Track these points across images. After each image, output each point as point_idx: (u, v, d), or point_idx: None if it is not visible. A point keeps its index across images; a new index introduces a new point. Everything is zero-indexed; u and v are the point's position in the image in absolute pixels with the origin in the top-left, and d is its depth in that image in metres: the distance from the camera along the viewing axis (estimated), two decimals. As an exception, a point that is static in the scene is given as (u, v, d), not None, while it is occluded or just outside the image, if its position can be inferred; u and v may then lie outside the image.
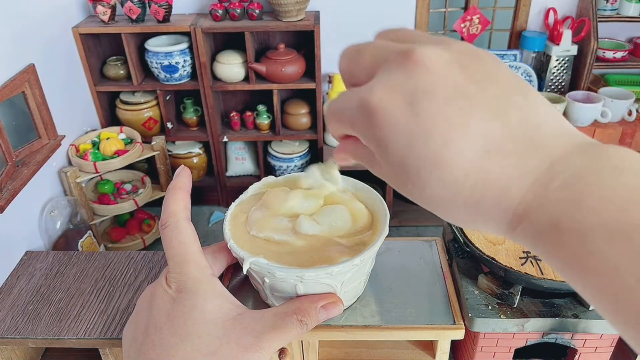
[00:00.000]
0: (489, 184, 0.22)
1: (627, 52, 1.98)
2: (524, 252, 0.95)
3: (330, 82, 2.09)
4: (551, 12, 1.99)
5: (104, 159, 1.80)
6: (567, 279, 0.22)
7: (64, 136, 1.73)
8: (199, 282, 0.32)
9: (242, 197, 0.49)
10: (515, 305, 0.77)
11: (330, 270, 0.38)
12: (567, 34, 1.93)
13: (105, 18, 1.86)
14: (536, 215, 0.22)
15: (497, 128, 0.22)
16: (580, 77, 2.01)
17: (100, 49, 2.04)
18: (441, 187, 0.23)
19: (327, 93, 2.07)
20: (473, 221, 0.24)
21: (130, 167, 1.96)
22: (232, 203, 0.48)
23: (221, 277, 0.49)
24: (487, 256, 0.81)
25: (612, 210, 0.19)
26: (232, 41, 2.01)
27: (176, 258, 0.33)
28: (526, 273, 0.84)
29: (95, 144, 1.87)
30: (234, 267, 0.49)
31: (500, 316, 0.75)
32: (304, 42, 2.01)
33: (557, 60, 1.98)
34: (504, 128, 0.22)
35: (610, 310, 0.20)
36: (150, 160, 2.07)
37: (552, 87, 2.06)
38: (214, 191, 2.26)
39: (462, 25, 2.00)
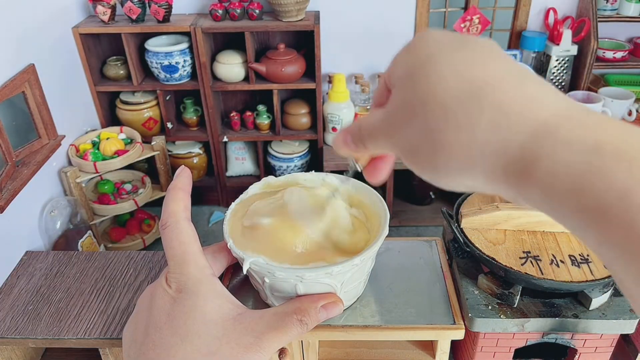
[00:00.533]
0: (514, 89, 0.22)
1: (627, 52, 1.98)
2: (524, 252, 0.95)
3: (330, 82, 2.09)
4: (551, 12, 1.99)
5: (104, 159, 1.80)
6: (586, 230, 0.20)
7: (64, 136, 1.73)
8: (199, 283, 0.32)
9: (242, 197, 0.49)
10: (515, 305, 0.77)
11: (330, 270, 0.38)
12: (567, 34, 1.93)
13: (105, 18, 1.86)
14: (568, 134, 0.20)
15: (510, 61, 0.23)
16: (580, 77, 2.01)
17: (100, 49, 2.04)
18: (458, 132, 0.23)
19: (327, 93, 2.07)
20: (485, 144, 0.22)
21: (130, 167, 1.96)
22: (232, 203, 0.47)
23: (221, 277, 0.48)
24: (487, 256, 0.81)
25: None
26: (232, 41, 2.01)
27: (176, 258, 0.33)
28: (526, 273, 0.84)
29: (95, 144, 1.87)
30: (234, 267, 0.49)
31: (500, 316, 0.75)
32: (304, 42, 2.01)
33: (557, 60, 1.99)
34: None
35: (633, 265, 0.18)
36: (150, 160, 2.07)
37: (552, 87, 2.05)
38: (214, 191, 2.26)
39: (462, 25, 2.00)
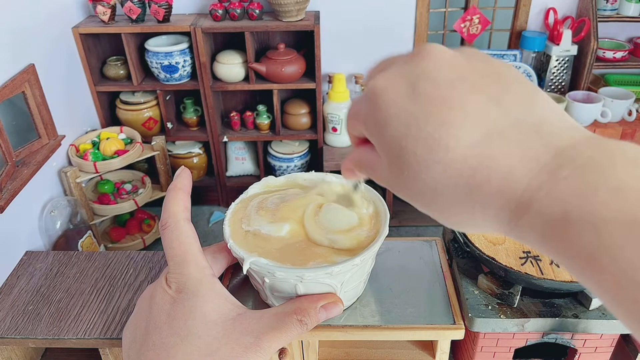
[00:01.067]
0: (491, 167, 0.21)
1: (627, 52, 1.98)
2: (524, 252, 0.95)
3: (330, 82, 2.09)
4: (551, 12, 1.99)
5: (104, 159, 1.80)
6: (578, 276, 0.20)
7: (64, 136, 1.73)
8: (198, 283, 0.32)
9: (242, 196, 0.49)
10: (515, 305, 0.77)
11: (330, 270, 0.38)
12: (567, 34, 1.93)
13: (105, 18, 1.86)
14: (543, 205, 0.20)
15: (498, 113, 0.22)
16: (580, 77, 2.01)
17: (100, 49, 2.04)
18: (439, 170, 0.22)
19: (327, 93, 2.07)
20: (471, 215, 0.22)
21: (130, 167, 1.96)
22: (232, 203, 0.47)
23: (221, 278, 0.48)
24: (487, 256, 0.81)
25: (628, 203, 0.18)
26: (232, 41, 2.01)
27: (176, 258, 0.33)
28: (526, 273, 0.84)
29: (95, 144, 1.87)
30: (234, 267, 0.49)
31: (500, 316, 0.75)
32: (304, 42, 2.01)
33: (557, 60, 1.98)
34: (505, 115, 0.22)
35: (627, 311, 0.18)
36: (150, 160, 2.07)
37: (552, 87, 2.06)
38: (214, 191, 2.26)
39: (462, 25, 2.00)
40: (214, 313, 0.32)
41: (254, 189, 0.50)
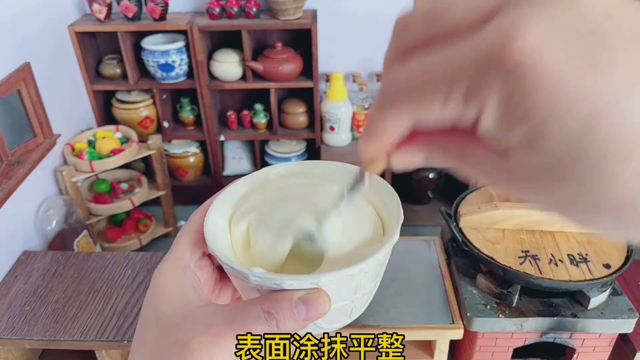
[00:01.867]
0: None
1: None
2: (522, 251, 0.95)
3: (327, 80, 2.08)
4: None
5: (100, 158, 1.79)
6: None
7: (60, 135, 1.72)
8: (163, 274, 0.30)
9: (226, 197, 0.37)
10: (513, 305, 0.77)
11: (351, 271, 0.29)
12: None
13: (101, 16, 1.85)
14: None
15: None
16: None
17: (96, 48, 2.03)
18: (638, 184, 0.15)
19: (324, 92, 2.06)
20: None
21: (126, 166, 1.95)
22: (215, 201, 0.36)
23: None
24: (486, 255, 0.80)
25: None
26: (229, 39, 2.00)
27: (170, 250, 0.32)
28: (525, 272, 0.84)
29: (91, 143, 1.86)
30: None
31: (498, 316, 0.75)
32: (302, 41, 2.00)
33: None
34: None
35: None
36: (147, 160, 2.06)
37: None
38: (211, 191, 2.25)
39: (460, 23, 2.00)
40: (169, 306, 0.29)
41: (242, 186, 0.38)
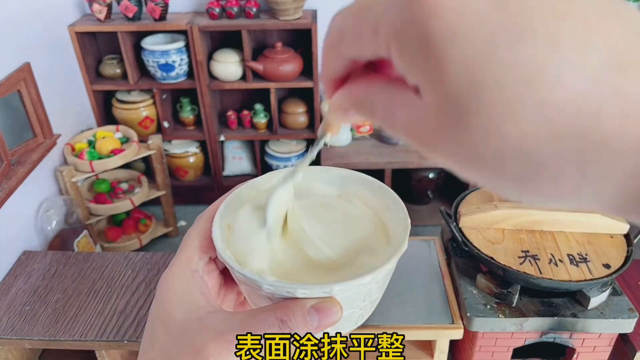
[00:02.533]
0: (626, 112, 0.14)
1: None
2: (522, 251, 0.95)
3: (327, 80, 2.08)
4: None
5: (100, 158, 1.79)
6: None
7: (60, 135, 1.73)
8: (171, 278, 0.30)
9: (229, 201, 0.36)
10: (513, 305, 0.77)
11: (363, 281, 0.29)
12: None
13: (102, 16, 1.85)
14: None
15: (630, 33, 0.14)
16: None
17: (97, 48, 2.03)
18: (536, 118, 0.15)
19: (324, 92, 2.07)
20: (574, 185, 0.16)
21: (126, 166, 1.95)
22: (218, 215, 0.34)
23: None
24: (486, 255, 0.81)
25: None
26: (229, 39, 2.01)
27: (177, 254, 0.32)
28: (525, 272, 0.84)
29: (91, 143, 1.86)
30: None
31: (498, 315, 0.75)
32: (302, 41, 2.00)
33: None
34: (633, 35, 0.14)
35: None
36: (147, 160, 2.07)
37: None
38: (211, 191, 2.25)
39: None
40: (179, 312, 0.29)
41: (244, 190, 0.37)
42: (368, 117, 0.21)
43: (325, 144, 0.30)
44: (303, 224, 0.34)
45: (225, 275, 0.34)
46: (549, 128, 0.15)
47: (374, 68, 0.21)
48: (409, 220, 0.34)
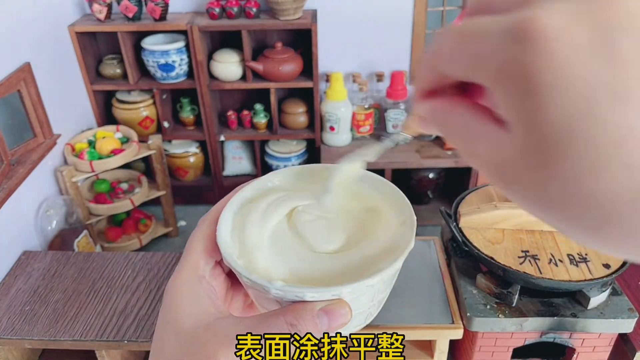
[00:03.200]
0: None
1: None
2: (522, 251, 0.95)
3: (327, 80, 2.08)
4: (548, 11, 2.00)
5: (100, 158, 1.79)
6: None
7: (60, 135, 1.73)
8: (179, 286, 0.30)
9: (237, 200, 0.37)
10: (513, 305, 0.77)
11: (371, 282, 0.29)
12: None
13: (102, 16, 1.85)
14: None
15: None
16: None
17: (97, 48, 2.03)
18: (627, 179, 0.15)
19: (324, 92, 2.06)
20: None
21: (126, 166, 1.95)
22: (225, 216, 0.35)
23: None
24: (486, 255, 0.81)
25: None
26: (229, 40, 2.01)
27: (182, 259, 0.32)
28: (525, 272, 0.84)
29: (91, 143, 1.86)
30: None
31: (498, 315, 0.75)
32: (302, 41, 2.00)
33: (554, 59, 1.99)
34: None
35: None
36: (147, 160, 2.07)
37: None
38: (211, 191, 2.26)
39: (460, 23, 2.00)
40: (186, 319, 0.28)
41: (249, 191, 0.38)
42: (446, 137, 0.21)
43: (396, 143, 0.31)
44: (306, 218, 0.34)
45: (232, 278, 0.34)
46: (634, 189, 0.15)
47: (463, 88, 0.21)
48: (415, 218, 0.34)
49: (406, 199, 0.35)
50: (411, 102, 0.24)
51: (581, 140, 0.15)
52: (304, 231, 0.33)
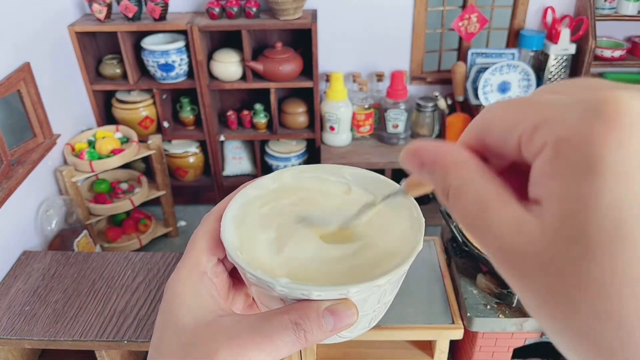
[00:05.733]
0: None
1: (625, 51, 1.98)
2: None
3: (327, 80, 2.08)
4: (549, 11, 1.99)
5: (100, 158, 1.79)
6: None
7: (60, 135, 1.72)
8: (180, 283, 0.30)
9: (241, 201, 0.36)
10: (513, 305, 0.77)
11: (378, 282, 0.28)
12: (565, 33, 1.93)
13: (101, 16, 1.85)
14: None
15: None
16: (578, 76, 2.01)
17: (96, 48, 2.03)
18: None
19: (324, 92, 2.06)
20: None
21: (126, 166, 1.95)
22: (227, 215, 0.34)
23: None
24: (486, 255, 0.80)
25: None
26: (229, 39, 2.00)
27: (184, 256, 0.31)
28: (525, 272, 0.83)
29: (91, 143, 1.86)
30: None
31: (499, 316, 0.75)
32: (302, 41, 2.00)
33: (555, 59, 1.98)
34: None
35: None
36: (147, 160, 2.06)
37: (550, 85, 2.05)
38: (211, 191, 2.25)
39: (460, 24, 2.00)
40: (188, 316, 0.28)
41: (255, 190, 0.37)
42: (445, 201, 0.19)
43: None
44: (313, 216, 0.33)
45: (234, 276, 0.33)
46: None
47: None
48: (423, 220, 0.33)
49: (414, 200, 0.34)
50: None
51: (629, 249, 0.13)
52: (311, 224, 0.33)
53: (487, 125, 0.18)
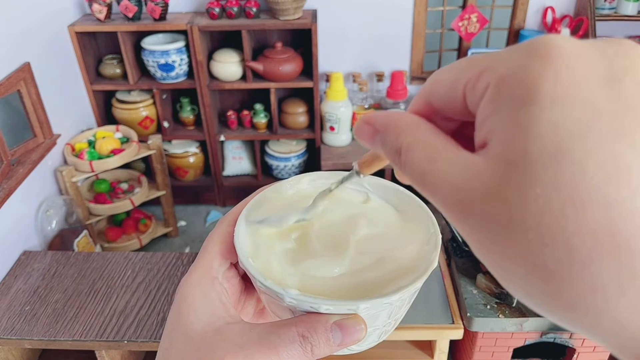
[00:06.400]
0: None
1: (624, 50, 1.99)
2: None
3: (327, 80, 2.08)
4: (549, 11, 1.99)
5: (100, 158, 1.79)
6: None
7: (60, 135, 1.72)
8: (191, 286, 0.30)
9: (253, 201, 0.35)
10: (514, 305, 0.77)
11: (389, 300, 0.28)
12: (565, 33, 1.93)
13: (102, 16, 1.85)
14: None
15: None
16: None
17: (96, 48, 2.03)
18: (606, 211, 0.14)
19: (324, 92, 2.06)
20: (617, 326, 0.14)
21: (126, 166, 1.95)
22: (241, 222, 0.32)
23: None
24: (486, 256, 0.80)
25: None
26: (229, 39, 2.00)
27: (197, 259, 0.31)
28: (525, 272, 0.83)
29: (91, 143, 1.86)
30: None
31: (499, 316, 0.75)
32: (302, 41, 2.00)
33: (554, 58, 1.99)
34: None
35: None
36: (147, 160, 2.06)
37: (550, 85, 2.06)
38: (211, 191, 2.25)
39: (460, 23, 2.00)
40: (197, 322, 0.28)
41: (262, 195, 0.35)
42: (397, 160, 0.19)
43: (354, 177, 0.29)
44: (327, 227, 0.33)
45: (246, 281, 0.33)
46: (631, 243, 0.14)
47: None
48: (440, 236, 0.32)
49: (431, 214, 0.33)
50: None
51: (570, 166, 0.14)
52: (324, 240, 0.32)
53: (433, 87, 0.19)
